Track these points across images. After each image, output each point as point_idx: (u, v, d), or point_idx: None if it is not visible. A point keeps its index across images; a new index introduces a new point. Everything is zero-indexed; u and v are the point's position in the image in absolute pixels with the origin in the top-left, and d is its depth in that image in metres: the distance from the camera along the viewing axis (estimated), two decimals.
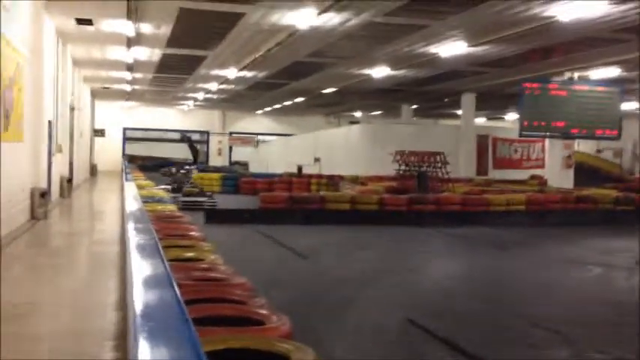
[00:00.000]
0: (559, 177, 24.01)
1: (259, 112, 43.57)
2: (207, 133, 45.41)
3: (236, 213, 16.70)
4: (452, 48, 17.37)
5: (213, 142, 45.50)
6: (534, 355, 6.25)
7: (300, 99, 32.31)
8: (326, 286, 8.96)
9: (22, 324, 5.34)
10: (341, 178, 26.26)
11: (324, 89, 27.77)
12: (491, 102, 30.70)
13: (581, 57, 18.99)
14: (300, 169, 33.30)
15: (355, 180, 25.51)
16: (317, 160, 34.35)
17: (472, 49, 17.56)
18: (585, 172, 29.41)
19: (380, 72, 22.00)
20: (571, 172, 24.23)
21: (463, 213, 17.75)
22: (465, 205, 18.27)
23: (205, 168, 35.83)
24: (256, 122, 45.71)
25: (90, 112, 30.91)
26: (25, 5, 11.39)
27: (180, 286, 3.01)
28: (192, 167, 33.94)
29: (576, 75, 21.65)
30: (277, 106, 37.78)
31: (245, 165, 42.50)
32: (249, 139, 46.07)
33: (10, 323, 5.32)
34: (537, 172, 29.46)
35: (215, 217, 15.79)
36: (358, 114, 41.50)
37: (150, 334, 1.90)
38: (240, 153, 46.17)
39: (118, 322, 5.17)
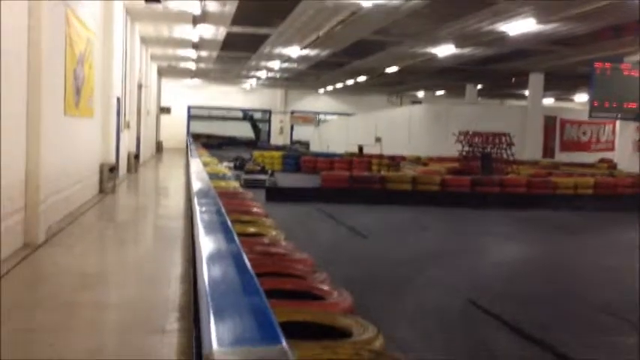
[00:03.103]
0: (629, 161, 23.19)
1: (321, 91, 43.56)
2: (269, 111, 45.72)
3: (297, 191, 16.82)
4: (521, 25, 16.86)
5: (275, 121, 45.79)
6: (602, 341, 6.08)
7: (362, 78, 32.12)
8: (386, 266, 8.94)
9: (91, 293, 5.52)
10: (403, 158, 26.07)
11: (387, 68, 27.51)
12: (560, 82, 29.78)
13: None
14: (360, 148, 33.21)
15: (417, 160, 25.30)
16: (378, 140, 34.14)
17: (542, 27, 17.02)
18: None
19: (445, 50, 21.60)
20: None
21: (528, 196, 17.38)
22: (530, 187, 17.88)
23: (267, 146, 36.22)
24: (318, 101, 45.73)
25: (156, 90, 31.54)
26: None
27: None
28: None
29: None
30: (339, 85, 37.68)
31: (306, 144, 42.68)
32: (310, 117, 46.16)
33: (80, 292, 5.52)
34: (607, 155, 28.53)
35: (276, 194, 15.94)
36: (421, 94, 40.98)
37: (222, 304, 1.91)
38: (302, 132, 46.35)
39: (182, 294, 5.29)
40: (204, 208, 4.33)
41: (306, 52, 23.49)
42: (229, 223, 3.76)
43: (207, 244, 2.93)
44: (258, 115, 46.98)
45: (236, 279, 2.22)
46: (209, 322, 1.65)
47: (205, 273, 2.25)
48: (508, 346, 5.84)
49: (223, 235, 3.22)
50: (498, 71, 27.30)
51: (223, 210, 4.35)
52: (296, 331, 3.09)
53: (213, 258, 2.60)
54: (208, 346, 1.49)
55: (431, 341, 5.87)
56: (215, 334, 1.57)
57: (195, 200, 4.97)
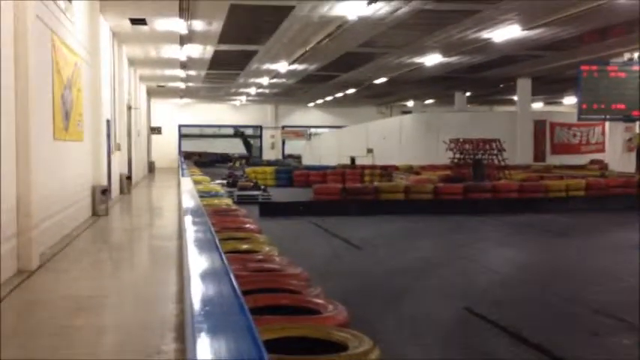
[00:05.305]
0: (620, 161, 23.30)
1: (311, 104, 43.69)
2: (260, 127, 45.82)
3: (290, 205, 16.81)
4: (506, 32, 17.00)
5: (266, 136, 45.89)
6: (598, 343, 6.10)
7: (351, 90, 32.24)
8: (381, 277, 8.94)
9: (87, 316, 5.51)
10: (395, 168, 26.13)
11: (376, 79, 27.64)
12: (548, 86, 29.99)
13: None
14: (353, 160, 33.28)
15: (409, 170, 25.36)
16: (370, 151, 34.23)
17: (527, 33, 17.16)
18: None
19: (432, 60, 21.74)
20: (633, 156, 23.47)
21: (521, 200, 17.45)
22: (522, 192, 17.96)
23: (258, 162, 36.28)
24: (308, 115, 45.86)
25: (146, 111, 31.56)
26: (81, 7, 11.69)
27: (237, 277, 3.06)
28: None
29: (636, 55, 20.93)
30: (329, 98, 37.81)
31: (298, 158, 42.74)
32: (301, 132, 46.29)
33: (75, 316, 5.50)
34: (597, 156, 28.67)
35: (269, 209, 15.93)
36: (410, 103, 41.15)
37: (207, 324, 1.93)
38: (293, 146, 46.44)
39: (178, 314, 5.28)
40: (193, 228, 4.35)
41: (294, 67, 23.59)
42: (217, 241, 3.78)
43: (194, 264, 2.95)
44: (249, 132, 47.07)
45: (222, 299, 2.23)
46: (194, 345, 1.67)
47: (191, 294, 2.26)
48: (506, 352, 5.84)
49: (211, 255, 3.24)
50: (486, 78, 27.46)
51: (212, 229, 4.37)
52: (292, 346, 3.11)
53: (199, 278, 2.62)
54: None
55: (428, 350, 5.87)
56: (199, 356, 1.57)
57: (185, 220, 4.99)
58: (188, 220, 5.50)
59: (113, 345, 4.91)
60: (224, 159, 44.19)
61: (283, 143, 46.67)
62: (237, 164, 32.89)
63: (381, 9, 14.44)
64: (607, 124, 25.74)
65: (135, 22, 15.14)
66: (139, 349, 4.63)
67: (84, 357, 4.59)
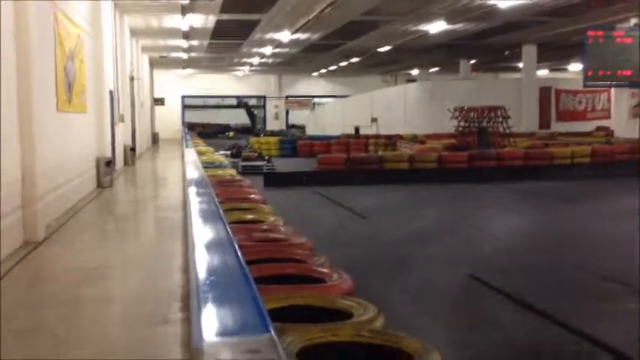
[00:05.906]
0: (626, 127, 23.17)
1: (315, 74, 43.41)
2: (264, 97, 45.60)
3: (294, 175, 16.81)
4: None
5: (270, 107, 45.69)
6: (604, 308, 6.12)
7: (355, 59, 31.99)
8: (386, 245, 8.96)
9: (93, 287, 5.53)
10: (400, 137, 26.04)
11: (380, 48, 27.39)
12: (554, 53, 29.69)
13: None
14: (357, 129, 33.15)
15: (414, 139, 25.27)
16: (374, 120, 34.08)
17: None
18: None
19: (436, 27, 21.50)
20: (638, 122, 23.33)
21: (526, 167, 17.42)
22: (527, 159, 17.91)
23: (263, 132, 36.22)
24: (312, 84, 45.58)
25: (149, 82, 31.40)
26: None
27: (242, 246, 3.06)
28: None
29: None
30: (332, 67, 37.54)
31: (302, 128, 42.60)
32: (305, 102, 46.08)
33: (82, 287, 5.53)
34: (603, 123, 28.52)
35: (274, 180, 15.94)
36: (415, 72, 40.83)
37: (212, 294, 1.93)
38: (297, 116, 46.25)
39: (184, 284, 5.30)
40: (197, 198, 4.35)
41: (297, 36, 23.38)
42: (222, 212, 3.77)
43: (199, 235, 2.95)
44: (252, 102, 46.87)
45: (226, 269, 2.23)
46: (199, 314, 1.66)
47: (196, 264, 2.26)
48: (510, 318, 5.87)
49: (215, 226, 3.23)
50: (491, 45, 27.19)
51: (216, 200, 4.37)
52: (297, 315, 3.12)
53: (204, 249, 2.62)
54: (197, 338, 1.50)
55: (434, 316, 5.90)
56: (204, 325, 1.58)
57: (189, 190, 4.99)
58: (192, 191, 5.50)
59: (119, 315, 4.93)
60: (228, 130, 44.15)
61: (287, 113, 46.46)
62: (232, 135, 32.66)
63: None
64: (613, 90, 25.54)
65: None
66: (145, 318, 4.66)
67: (89, 326, 4.63)
